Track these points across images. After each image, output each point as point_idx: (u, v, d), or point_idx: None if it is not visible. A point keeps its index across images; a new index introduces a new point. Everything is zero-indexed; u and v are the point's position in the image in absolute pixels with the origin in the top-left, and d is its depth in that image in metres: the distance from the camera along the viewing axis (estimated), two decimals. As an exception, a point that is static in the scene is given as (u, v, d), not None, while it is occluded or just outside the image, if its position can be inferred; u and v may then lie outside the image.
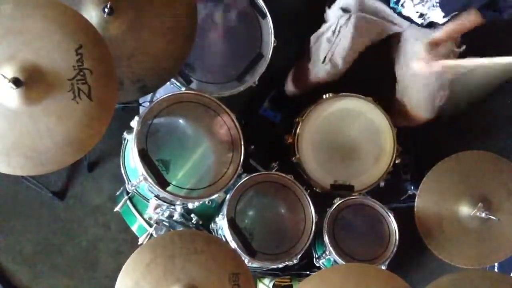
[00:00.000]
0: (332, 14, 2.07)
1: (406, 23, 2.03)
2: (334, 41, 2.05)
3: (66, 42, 1.39)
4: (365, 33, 2.05)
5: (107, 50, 1.47)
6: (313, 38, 2.12)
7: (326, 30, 2.08)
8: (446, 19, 1.91)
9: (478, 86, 1.97)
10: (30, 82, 1.35)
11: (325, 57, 2.08)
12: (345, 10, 2.03)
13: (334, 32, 2.04)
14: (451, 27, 1.92)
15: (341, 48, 2.05)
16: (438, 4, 1.85)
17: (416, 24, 1.98)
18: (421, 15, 1.93)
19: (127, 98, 1.83)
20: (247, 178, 1.91)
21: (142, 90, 1.79)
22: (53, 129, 1.40)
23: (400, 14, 1.98)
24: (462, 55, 2.11)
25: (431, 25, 1.96)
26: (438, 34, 1.94)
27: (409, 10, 1.93)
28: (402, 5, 1.94)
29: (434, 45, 1.95)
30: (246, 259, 1.84)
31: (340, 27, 2.03)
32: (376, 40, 2.13)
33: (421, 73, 2.02)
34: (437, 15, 1.90)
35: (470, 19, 1.87)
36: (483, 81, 1.92)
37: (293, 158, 2.07)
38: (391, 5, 1.98)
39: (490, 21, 1.85)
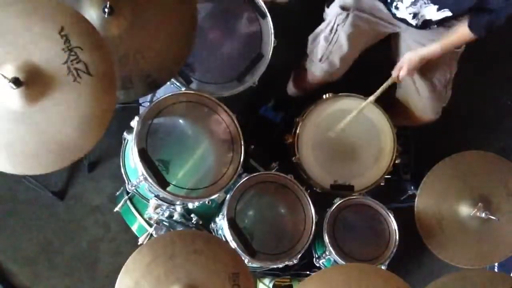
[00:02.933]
0: (331, 12, 2.07)
1: (403, 24, 2.03)
2: (331, 39, 2.06)
3: (47, 29, 1.39)
4: (362, 33, 2.06)
5: (88, 23, 1.46)
6: (311, 37, 2.13)
7: (324, 29, 2.08)
8: (439, 14, 1.89)
9: None
10: (29, 79, 1.36)
11: (322, 56, 2.09)
12: (343, 8, 2.03)
13: (331, 30, 2.05)
14: (442, 44, 1.92)
15: (338, 47, 2.06)
16: (430, 1, 1.84)
17: (411, 25, 1.98)
18: (415, 15, 1.92)
19: (138, 95, 1.84)
20: (247, 178, 1.91)
21: (152, 85, 1.80)
22: (67, 117, 1.41)
23: (394, 16, 1.98)
24: (462, 56, 2.11)
25: (426, 25, 1.96)
26: (429, 50, 1.95)
27: (402, 12, 1.93)
28: (396, 7, 1.93)
29: (423, 60, 1.98)
30: (246, 259, 1.84)
31: (338, 25, 2.03)
32: (374, 41, 2.13)
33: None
34: (430, 11, 1.88)
35: (460, 36, 1.87)
36: None
37: (293, 158, 2.07)
38: (387, 6, 1.98)
39: (483, 35, 1.84)
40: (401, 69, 2.01)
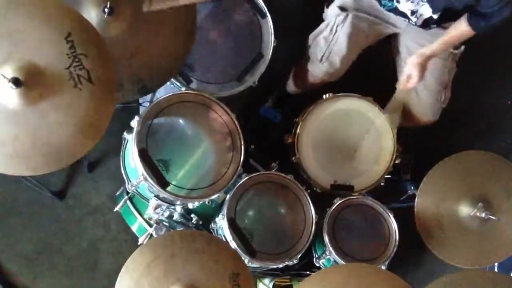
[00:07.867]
0: (330, 13, 2.07)
1: (402, 23, 2.03)
2: (331, 40, 2.06)
3: (54, 33, 1.39)
4: (362, 33, 2.06)
5: (95, 31, 1.46)
6: (311, 37, 2.12)
7: (323, 29, 2.08)
8: (437, 15, 1.89)
9: None
10: (29, 80, 1.35)
11: (322, 56, 2.09)
12: (342, 8, 2.03)
13: (331, 31, 2.05)
14: (443, 40, 1.90)
15: (338, 47, 2.06)
16: (425, 0, 1.84)
17: (412, 23, 1.97)
18: (413, 13, 1.92)
19: (127, 98, 1.83)
20: (247, 178, 1.91)
21: (142, 91, 1.79)
22: (64, 121, 1.40)
23: (396, 10, 1.97)
24: (462, 56, 2.11)
25: (426, 24, 1.95)
26: (431, 48, 1.92)
27: (403, 6, 1.92)
28: (397, 1, 1.92)
29: (427, 59, 1.94)
30: (246, 259, 1.84)
31: (337, 26, 2.03)
32: (374, 41, 2.12)
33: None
34: (427, 10, 1.88)
35: (460, 31, 1.85)
36: None
37: (293, 158, 2.07)
38: (383, 2, 1.96)
39: (481, 32, 1.82)
40: (411, 77, 1.93)
